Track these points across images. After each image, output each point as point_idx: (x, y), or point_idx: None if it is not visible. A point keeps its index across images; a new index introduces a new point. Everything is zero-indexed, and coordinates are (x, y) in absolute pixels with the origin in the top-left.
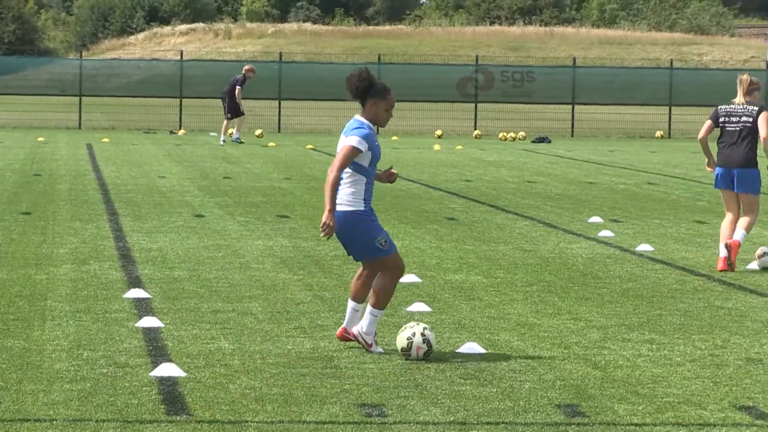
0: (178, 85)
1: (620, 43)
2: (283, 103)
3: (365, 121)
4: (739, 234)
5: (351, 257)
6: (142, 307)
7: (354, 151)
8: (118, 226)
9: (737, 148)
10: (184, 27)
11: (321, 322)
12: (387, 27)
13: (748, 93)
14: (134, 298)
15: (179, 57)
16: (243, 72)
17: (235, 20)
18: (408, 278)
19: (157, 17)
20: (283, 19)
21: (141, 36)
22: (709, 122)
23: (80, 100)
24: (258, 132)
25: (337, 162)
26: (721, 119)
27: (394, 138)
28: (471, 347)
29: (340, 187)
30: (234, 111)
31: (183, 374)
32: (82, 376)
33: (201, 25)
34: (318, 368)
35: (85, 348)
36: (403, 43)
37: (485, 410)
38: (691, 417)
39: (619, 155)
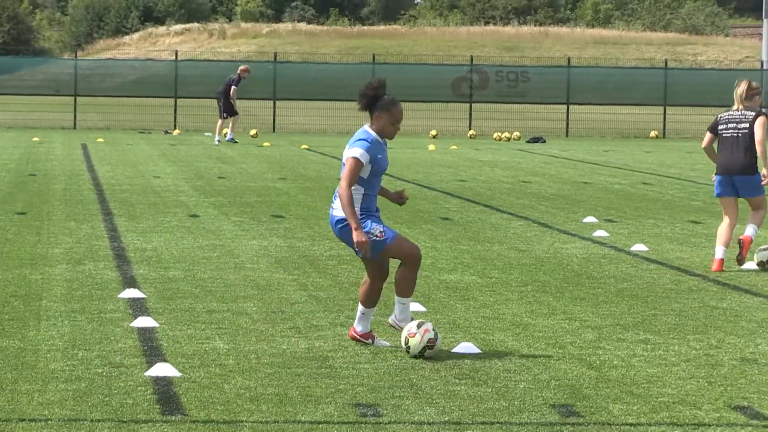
0: (173, 85)
1: (615, 43)
2: (277, 103)
3: (372, 133)
4: (750, 230)
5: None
6: (137, 307)
7: (357, 164)
8: (113, 226)
9: (737, 155)
10: (178, 27)
11: (316, 322)
12: (382, 27)
13: (748, 98)
14: (129, 298)
15: (174, 57)
16: (238, 72)
17: (230, 20)
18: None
19: (151, 17)
20: (277, 19)
21: (136, 36)
22: (709, 135)
23: (75, 100)
24: (253, 132)
25: (344, 180)
26: (721, 127)
27: None
28: (466, 347)
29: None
30: (229, 111)
31: (178, 374)
32: (77, 376)
33: (196, 25)
34: (313, 368)
35: (80, 348)
36: (398, 43)
37: (480, 410)
38: (686, 417)
39: (614, 155)
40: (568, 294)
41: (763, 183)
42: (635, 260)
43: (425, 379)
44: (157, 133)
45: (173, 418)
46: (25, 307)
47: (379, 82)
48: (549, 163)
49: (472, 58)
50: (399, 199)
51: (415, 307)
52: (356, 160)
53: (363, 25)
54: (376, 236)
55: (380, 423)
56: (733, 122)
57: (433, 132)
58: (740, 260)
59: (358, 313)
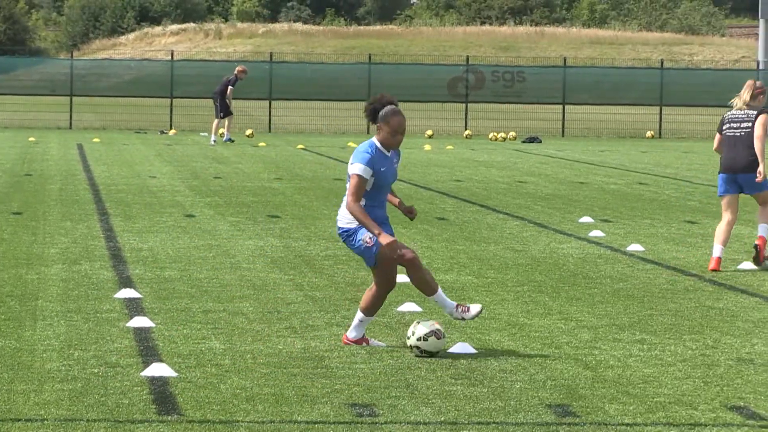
0: (169, 85)
1: (611, 43)
2: (273, 103)
3: (376, 144)
4: (763, 230)
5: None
6: (133, 307)
7: (360, 180)
8: (108, 226)
9: (740, 154)
10: (174, 27)
11: (312, 322)
12: (378, 27)
13: (752, 98)
14: (125, 298)
15: (170, 57)
16: (235, 72)
17: (226, 20)
18: (398, 278)
19: (147, 17)
20: (273, 19)
21: (132, 36)
22: (718, 136)
23: (71, 100)
24: (248, 132)
25: (349, 195)
26: (725, 126)
27: None
28: (462, 347)
29: (342, 205)
30: (224, 110)
31: (174, 374)
32: (73, 376)
33: (192, 25)
34: (309, 368)
35: (76, 348)
36: (394, 43)
37: (476, 410)
38: (682, 417)
39: (610, 155)
40: (564, 294)
41: (758, 180)
42: (631, 260)
43: (421, 379)
44: (153, 133)
45: (169, 418)
46: (21, 307)
47: (381, 95)
48: (545, 163)
49: (468, 58)
50: (408, 213)
51: (411, 307)
52: (358, 177)
53: (359, 25)
54: (366, 243)
55: (376, 423)
56: (736, 121)
57: (429, 132)
58: (759, 262)
59: (356, 320)
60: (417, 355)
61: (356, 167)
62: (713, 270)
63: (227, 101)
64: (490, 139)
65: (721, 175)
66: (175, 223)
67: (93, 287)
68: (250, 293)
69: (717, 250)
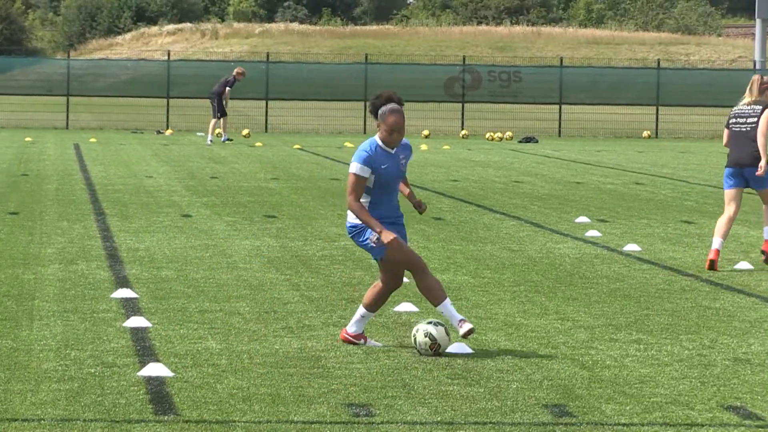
0: (166, 85)
1: (607, 43)
2: (270, 103)
3: (378, 142)
4: None
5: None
6: (130, 307)
7: (356, 178)
8: (105, 226)
9: (746, 148)
10: (171, 27)
11: (308, 322)
12: (374, 27)
13: (760, 93)
14: (122, 298)
15: (166, 57)
16: (234, 74)
17: (222, 20)
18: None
19: (144, 17)
20: (270, 19)
21: (128, 36)
22: (726, 131)
23: (68, 100)
24: (245, 132)
25: (348, 195)
26: (732, 121)
27: None
28: (458, 347)
29: None
30: (221, 111)
31: (170, 374)
32: (70, 375)
33: (188, 25)
34: (305, 368)
35: (73, 348)
36: (390, 43)
37: (473, 410)
38: (679, 417)
39: (606, 155)
40: (561, 294)
41: (758, 173)
42: (628, 260)
43: (418, 379)
44: (150, 133)
45: (166, 417)
46: (18, 306)
47: (382, 93)
48: (541, 163)
49: (464, 58)
50: (417, 206)
51: (407, 307)
52: (355, 175)
53: (355, 25)
54: (373, 244)
55: (373, 423)
56: (742, 116)
57: (426, 132)
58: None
59: (357, 315)
60: (423, 350)
61: (353, 166)
62: (711, 260)
63: (224, 102)
64: (487, 139)
65: (727, 169)
66: (172, 223)
67: (90, 287)
68: (246, 293)
69: (716, 243)
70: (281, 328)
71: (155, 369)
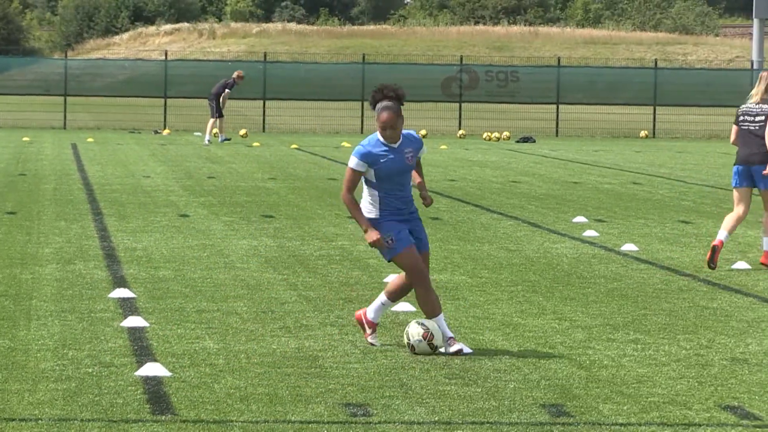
0: (163, 85)
1: (605, 43)
2: (267, 102)
3: (379, 137)
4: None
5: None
6: (127, 307)
7: (351, 172)
8: (103, 225)
9: (754, 147)
10: (168, 27)
11: (306, 322)
12: (371, 27)
13: (766, 90)
14: (119, 298)
15: (164, 57)
16: (234, 77)
17: (220, 20)
18: (393, 278)
19: (141, 17)
20: (267, 18)
21: (126, 36)
22: (735, 128)
23: (65, 99)
24: (242, 132)
25: (343, 186)
26: (740, 119)
27: None
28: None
29: (362, 197)
30: (219, 112)
31: (168, 374)
32: (68, 375)
33: (185, 24)
34: (303, 368)
35: (71, 347)
36: (388, 43)
37: (470, 410)
38: (676, 417)
39: (604, 155)
40: (558, 294)
41: (764, 173)
42: (625, 260)
43: (415, 378)
44: (147, 132)
45: (163, 417)
46: (16, 306)
47: (379, 86)
48: (539, 163)
49: (461, 58)
50: (423, 199)
51: (405, 307)
52: (350, 170)
53: (353, 24)
54: (387, 243)
55: (370, 423)
56: (750, 115)
57: (423, 132)
58: None
59: (378, 302)
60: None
61: (351, 160)
62: (714, 246)
63: (222, 103)
64: (484, 139)
65: (735, 166)
66: (169, 222)
67: (87, 287)
68: (244, 293)
69: (721, 234)
70: (279, 327)
71: (153, 369)
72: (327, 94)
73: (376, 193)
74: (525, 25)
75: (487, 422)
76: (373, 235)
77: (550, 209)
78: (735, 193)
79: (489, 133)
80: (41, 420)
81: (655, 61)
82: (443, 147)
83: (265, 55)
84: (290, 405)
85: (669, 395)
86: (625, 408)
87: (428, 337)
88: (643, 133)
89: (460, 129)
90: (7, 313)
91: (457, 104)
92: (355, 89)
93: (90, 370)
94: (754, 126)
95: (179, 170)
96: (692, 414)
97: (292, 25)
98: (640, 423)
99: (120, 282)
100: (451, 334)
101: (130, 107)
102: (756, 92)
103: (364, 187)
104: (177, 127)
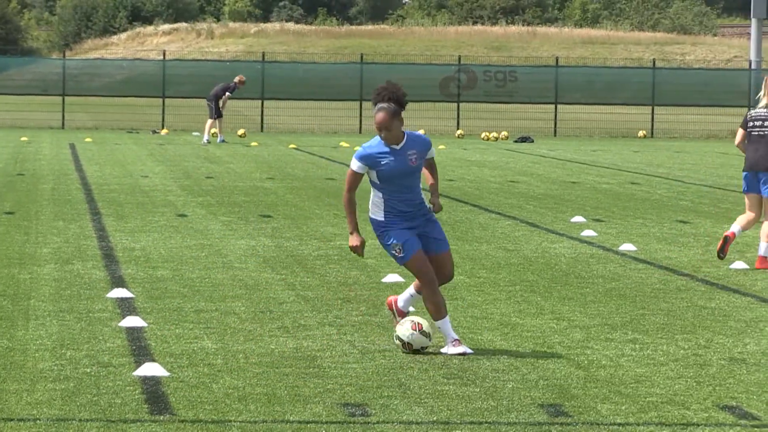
0: (161, 85)
1: (603, 43)
2: (265, 102)
3: (380, 139)
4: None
5: None
6: (125, 307)
7: (351, 174)
8: (101, 225)
9: (762, 152)
10: (166, 27)
11: (304, 322)
12: (370, 27)
13: None
14: (117, 298)
15: (162, 57)
16: (235, 81)
17: (218, 20)
18: (390, 278)
19: (139, 17)
20: (265, 18)
21: (124, 36)
22: (742, 131)
23: (63, 99)
24: (240, 132)
25: (345, 186)
26: (749, 124)
27: None
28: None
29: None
30: (218, 112)
31: (166, 374)
32: (66, 375)
33: (183, 24)
34: (301, 368)
35: (69, 347)
36: (386, 43)
37: (468, 410)
38: (674, 417)
39: (602, 155)
40: (556, 294)
41: None
42: (623, 260)
43: (413, 378)
44: (145, 132)
45: (161, 417)
46: (14, 306)
47: (380, 86)
48: (537, 163)
49: (459, 58)
50: (432, 205)
51: None
52: (351, 171)
53: (351, 24)
54: (395, 252)
55: (368, 423)
56: (759, 120)
57: (421, 131)
58: None
59: (407, 293)
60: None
61: (352, 162)
62: (726, 236)
63: (220, 105)
64: (482, 139)
65: (744, 173)
66: (167, 222)
67: (85, 287)
68: (242, 293)
69: (734, 227)
70: (277, 327)
71: (151, 369)
72: (325, 94)
73: (381, 194)
74: (523, 25)
75: (486, 422)
76: (353, 240)
77: (548, 209)
78: (746, 199)
79: (487, 133)
80: (39, 420)
81: (653, 61)
82: (441, 147)
83: (263, 55)
84: (288, 405)
85: (667, 395)
86: (623, 408)
87: (417, 327)
88: (641, 133)
89: (458, 129)
90: (6, 313)
91: (456, 104)
92: (353, 89)
93: (88, 370)
94: (764, 131)
95: (177, 170)
96: (690, 414)
97: (290, 25)
98: (639, 423)
99: (118, 282)
100: (455, 336)
101: (128, 107)
102: (765, 97)
103: (371, 188)
104: (175, 127)
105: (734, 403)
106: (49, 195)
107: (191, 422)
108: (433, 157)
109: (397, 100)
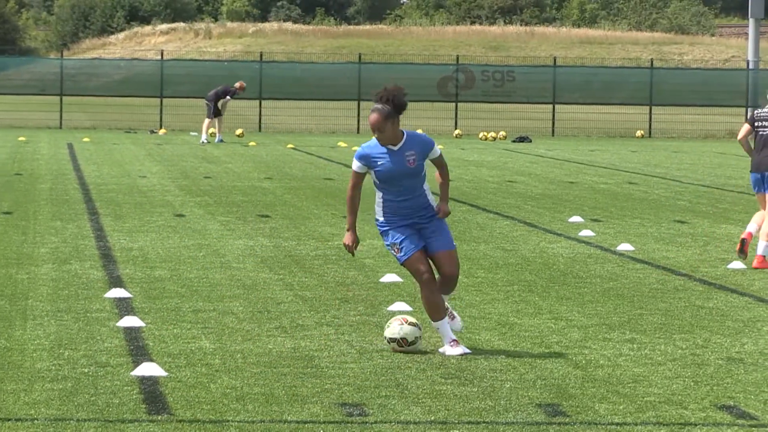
0: (159, 85)
1: (601, 43)
2: (263, 102)
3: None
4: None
5: None
6: (123, 307)
7: (353, 173)
8: (99, 225)
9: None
10: (164, 26)
11: (302, 322)
12: (367, 26)
13: None
14: (115, 298)
15: (160, 56)
16: (236, 86)
17: (216, 20)
18: (389, 278)
19: (137, 17)
20: (263, 18)
21: (121, 35)
22: (747, 126)
23: (61, 99)
24: (238, 131)
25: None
26: (757, 124)
27: None
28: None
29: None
30: (216, 113)
31: (164, 374)
32: (63, 375)
33: (181, 24)
34: (299, 368)
35: (66, 347)
36: (384, 43)
37: (466, 409)
38: (672, 416)
39: (600, 155)
40: (554, 293)
41: None
42: (621, 260)
43: (411, 378)
44: (143, 132)
45: (159, 417)
46: (12, 306)
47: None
48: (535, 163)
49: (458, 58)
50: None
51: (401, 306)
52: (353, 170)
53: (349, 24)
54: (394, 252)
55: (366, 422)
56: (765, 120)
57: (419, 131)
58: None
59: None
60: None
61: (353, 161)
62: (743, 239)
63: (219, 106)
64: (480, 139)
65: (751, 174)
66: (165, 222)
67: (83, 287)
68: (240, 293)
69: (750, 227)
70: (275, 327)
71: (149, 369)
72: (323, 94)
73: (381, 195)
74: (521, 25)
75: (483, 422)
76: (346, 238)
77: (546, 209)
78: (758, 198)
79: (485, 133)
80: (37, 420)
81: (651, 60)
82: (440, 147)
83: (261, 55)
84: (286, 405)
85: (665, 395)
86: (621, 408)
87: (404, 320)
88: (639, 133)
89: (456, 129)
90: (3, 313)
91: (454, 104)
92: (351, 89)
93: (86, 370)
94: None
95: (175, 170)
96: (688, 413)
97: (288, 25)
98: (636, 423)
99: (116, 282)
100: (453, 337)
101: (126, 107)
102: None
103: (375, 189)
104: (173, 126)
105: (732, 403)
106: (47, 195)
107: (189, 422)
108: (438, 157)
109: (394, 102)
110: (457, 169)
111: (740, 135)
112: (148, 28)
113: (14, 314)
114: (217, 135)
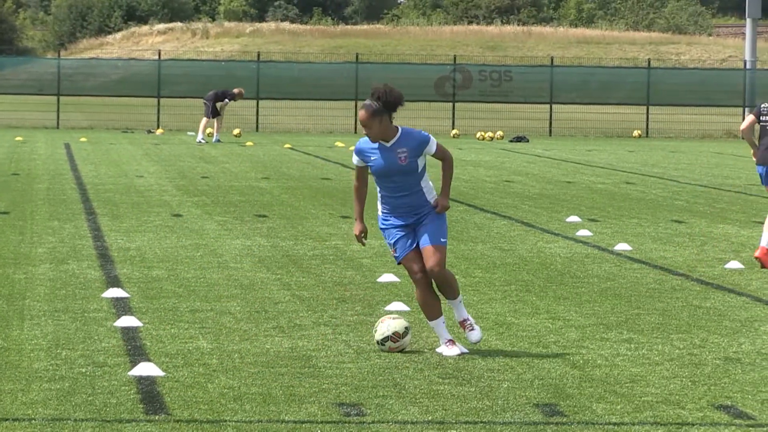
0: (156, 85)
1: (598, 43)
2: (261, 102)
3: None
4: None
5: None
6: (121, 307)
7: (355, 167)
8: (96, 225)
9: None
10: (161, 26)
11: (299, 322)
12: (365, 26)
13: None
14: (112, 298)
15: (157, 56)
16: (235, 91)
17: (213, 19)
18: (386, 278)
19: (134, 16)
20: (260, 18)
21: (119, 35)
22: (752, 117)
23: (58, 99)
24: (236, 131)
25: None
26: (763, 118)
27: None
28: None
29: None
30: (214, 113)
31: (161, 374)
32: (61, 375)
33: (179, 24)
34: (296, 368)
35: (64, 347)
36: (381, 43)
37: (464, 409)
38: (670, 416)
39: (597, 155)
40: (552, 293)
41: None
42: (618, 260)
43: (409, 378)
44: (140, 132)
45: (157, 417)
46: (9, 306)
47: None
48: (532, 163)
49: (455, 58)
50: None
51: (398, 306)
52: (355, 164)
53: (346, 24)
54: (391, 252)
55: (364, 422)
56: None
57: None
58: None
59: (453, 305)
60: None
61: (353, 155)
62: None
63: (218, 107)
64: (478, 139)
65: (758, 167)
66: (163, 222)
67: (80, 287)
68: (237, 293)
69: (763, 239)
70: (272, 327)
71: (146, 368)
72: (320, 94)
73: (378, 189)
74: (518, 25)
75: (481, 422)
76: (355, 228)
77: (543, 209)
78: (767, 190)
79: (482, 133)
80: (34, 420)
81: (648, 60)
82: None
83: (258, 55)
84: (284, 405)
85: (662, 394)
86: (618, 407)
87: (388, 318)
88: (636, 133)
89: (453, 128)
90: (1, 313)
91: (451, 104)
92: (348, 89)
93: (83, 370)
94: None
95: (172, 170)
96: (685, 413)
97: (286, 25)
98: (634, 422)
99: (113, 282)
100: (449, 337)
101: (124, 107)
102: None
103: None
104: (170, 126)
105: (729, 403)
106: (44, 195)
107: (186, 422)
108: (436, 152)
109: (385, 101)
110: (455, 169)
111: (744, 125)
112: (145, 28)
113: (11, 314)
114: (215, 135)
